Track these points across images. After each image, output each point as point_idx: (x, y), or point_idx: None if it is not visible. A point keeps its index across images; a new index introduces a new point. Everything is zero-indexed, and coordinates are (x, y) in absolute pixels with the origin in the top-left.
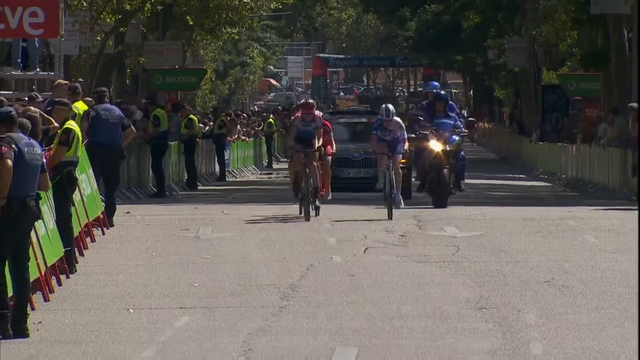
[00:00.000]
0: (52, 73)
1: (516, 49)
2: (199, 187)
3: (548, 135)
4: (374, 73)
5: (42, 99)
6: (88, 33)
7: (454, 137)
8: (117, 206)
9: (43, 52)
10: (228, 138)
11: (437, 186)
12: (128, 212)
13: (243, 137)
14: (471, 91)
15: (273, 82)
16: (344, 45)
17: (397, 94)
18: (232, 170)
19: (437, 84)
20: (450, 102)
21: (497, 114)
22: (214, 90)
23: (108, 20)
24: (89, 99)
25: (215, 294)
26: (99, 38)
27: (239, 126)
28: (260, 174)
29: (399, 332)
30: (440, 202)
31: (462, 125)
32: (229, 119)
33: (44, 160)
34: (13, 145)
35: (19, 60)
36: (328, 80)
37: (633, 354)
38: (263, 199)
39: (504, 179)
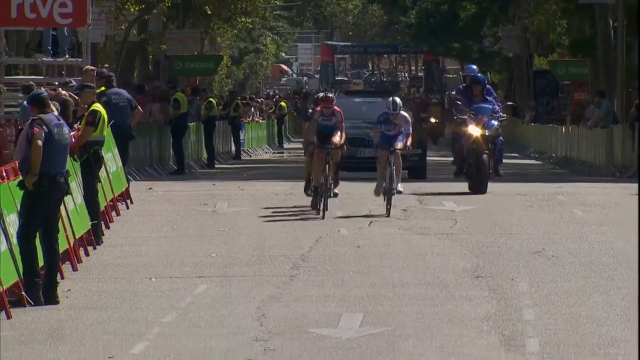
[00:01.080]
0: (80, 59)
1: (510, 37)
2: (216, 165)
3: (539, 117)
4: (378, 59)
5: (74, 84)
6: (113, 22)
7: (493, 121)
8: (140, 182)
9: (72, 40)
10: (243, 120)
11: (476, 172)
12: (150, 188)
13: (257, 119)
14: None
15: (285, 67)
16: (350, 33)
17: (400, 78)
18: (247, 150)
19: (474, 67)
20: (488, 86)
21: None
22: (230, 75)
23: (132, 10)
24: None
25: (231, 264)
26: (123, 27)
27: (252, 109)
28: (273, 153)
29: (401, 299)
30: (479, 188)
31: (499, 110)
32: (243, 102)
33: (73, 139)
34: (44, 127)
35: (50, 48)
36: (336, 66)
37: (618, 319)
38: (276, 176)
39: None
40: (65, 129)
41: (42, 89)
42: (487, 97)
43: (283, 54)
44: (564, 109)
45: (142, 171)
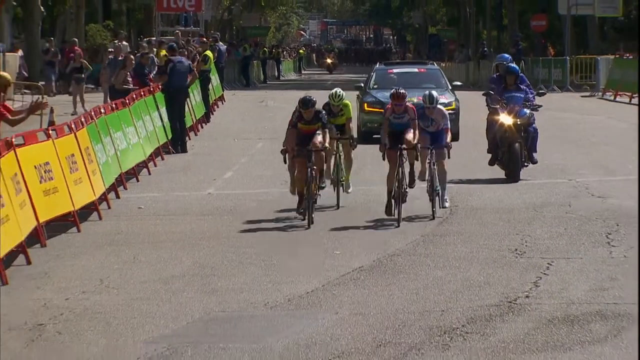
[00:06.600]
0: (198, 28)
1: (416, 16)
2: (267, 82)
3: (432, 58)
4: (349, 29)
5: (206, 40)
6: (215, 8)
7: (525, 110)
8: (229, 91)
9: (194, 18)
10: (282, 59)
11: (508, 160)
12: (234, 94)
13: (288, 59)
14: (395, 38)
15: (302, 32)
16: (335, 15)
17: (362, 39)
18: (283, 74)
19: (508, 56)
20: (521, 74)
21: (407, 49)
22: (274, 36)
23: (225, 2)
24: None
25: (274, 131)
26: (220, 11)
27: (285, 53)
28: (296, 76)
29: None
30: (512, 176)
31: (532, 98)
32: (282, 51)
33: (191, 66)
34: (170, 63)
35: (183, 22)
36: (328, 33)
37: (471, 169)
38: (299, 88)
39: None
40: (185, 63)
41: (174, 43)
42: (520, 86)
43: (301, 25)
44: (444, 54)
45: (229, 85)
